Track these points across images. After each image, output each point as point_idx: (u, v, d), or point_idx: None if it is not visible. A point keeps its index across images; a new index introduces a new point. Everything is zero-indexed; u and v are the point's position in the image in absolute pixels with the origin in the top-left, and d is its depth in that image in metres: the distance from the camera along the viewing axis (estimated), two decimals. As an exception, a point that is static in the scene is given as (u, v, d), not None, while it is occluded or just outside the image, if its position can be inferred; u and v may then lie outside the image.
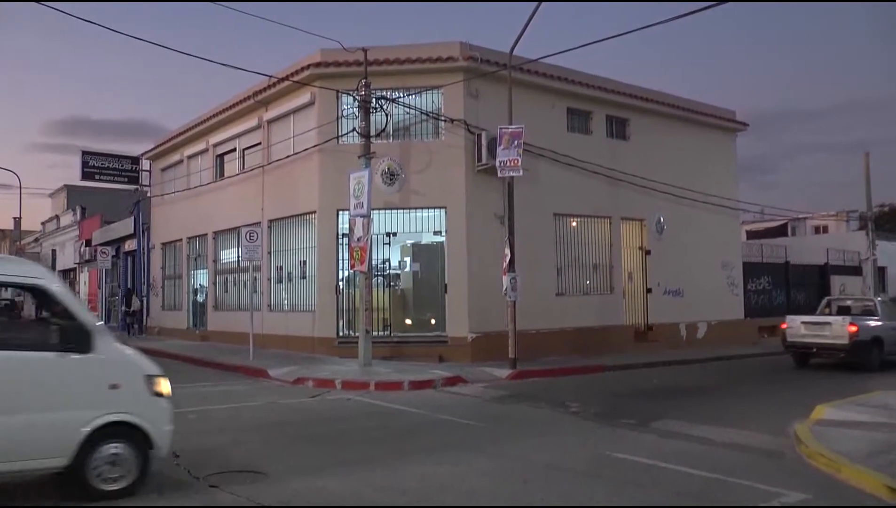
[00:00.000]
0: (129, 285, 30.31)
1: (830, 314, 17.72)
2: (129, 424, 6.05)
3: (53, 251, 44.82)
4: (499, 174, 15.41)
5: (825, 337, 16.53)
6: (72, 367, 5.87)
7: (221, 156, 23.20)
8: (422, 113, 17.03)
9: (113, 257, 29.06)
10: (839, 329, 16.29)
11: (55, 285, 6.19)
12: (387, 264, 17.48)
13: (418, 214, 17.25)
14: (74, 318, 6.00)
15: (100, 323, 6.19)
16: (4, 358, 5.65)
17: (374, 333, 15.94)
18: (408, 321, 17.45)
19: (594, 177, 19.03)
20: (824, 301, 19.60)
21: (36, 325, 6.39)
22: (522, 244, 16.17)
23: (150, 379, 6.26)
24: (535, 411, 10.86)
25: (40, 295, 6.22)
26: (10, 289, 5.65)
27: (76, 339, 5.90)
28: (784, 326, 17.61)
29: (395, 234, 17.28)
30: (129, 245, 30.72)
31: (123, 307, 29.43)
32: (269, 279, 19.92)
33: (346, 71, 16.80)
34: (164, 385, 6.35)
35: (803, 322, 17.23)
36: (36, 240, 49.14)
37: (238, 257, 20.48)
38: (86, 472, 5.83)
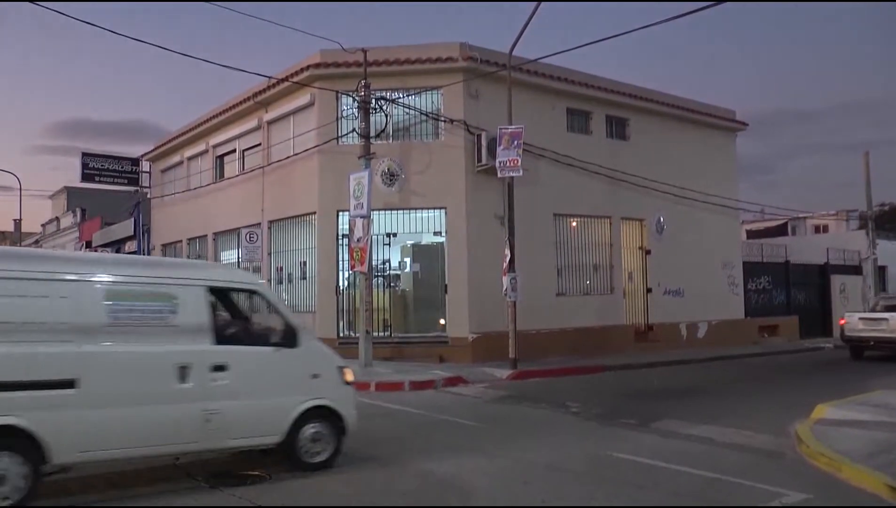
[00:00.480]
0: None
1: (884, 311, 19.17)
2: (327, 407, 7.18)
3: (54, 253, 44.79)
4: (499, 175, 15.41)
5: (882, 331, 18.21)
6: (284, 359, 7.07)
7: (221, 157, 23.20)
8: (421, 113, 17.03)
9: (113, 258, 29.04)
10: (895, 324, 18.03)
11: (269, 291, 7.69)
12: (387, 264, 17.49)
13: (418, 214, 17.26)
14: (283, 318, 7.25)
15: (301, 322, 7.42)
16: (237, 352, 6.77)
17: (375, 333, 15.94)
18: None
19: (594, 177, 19.03)
20: (874, 299, 21.38)
21: (254, 324, 7.55)
22: (522, 245, 16.18)
23: (340, 370, 7.46)
24: (536, 411, 10.86)
25: (258, 298, 7.45)
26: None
27: (287, 336, 7.13)
28: (843, 322, 19.48)
29: (395, 234, 17.28)
30: (130, 247, 30.73)
31: None
32: (270, 280, 19.89)
33: (345, 72, 16.81)
34: (350, 375, 7.52)
35: (860, 318, 19.01)
36: (36, 242, 49.09)
37: (238, 258, 20.45)
38: (295, 447, 6.96)
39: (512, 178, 15.55)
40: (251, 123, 20.83)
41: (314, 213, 17.85)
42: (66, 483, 6.41)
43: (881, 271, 30.49)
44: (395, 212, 17.15)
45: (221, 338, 6.70)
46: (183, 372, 6.36)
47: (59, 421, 5.79)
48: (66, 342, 5.91)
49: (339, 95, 17.15)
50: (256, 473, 6.88)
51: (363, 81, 15.60)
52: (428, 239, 17.56)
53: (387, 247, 17.32)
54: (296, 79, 17.82)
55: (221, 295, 7.28)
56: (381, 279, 17.25)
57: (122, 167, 28.58)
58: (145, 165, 28.84)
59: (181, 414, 6.33)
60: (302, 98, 18.22)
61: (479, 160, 16.59)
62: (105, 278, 6.31)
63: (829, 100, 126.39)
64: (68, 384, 5.86)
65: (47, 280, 5.98)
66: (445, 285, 16.85)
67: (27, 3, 11.27)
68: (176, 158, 26.02)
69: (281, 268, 19.70)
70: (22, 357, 5.73)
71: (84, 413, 5.90)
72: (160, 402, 6.26)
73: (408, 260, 17.84)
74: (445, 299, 16.82)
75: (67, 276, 6.09)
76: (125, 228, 30.60)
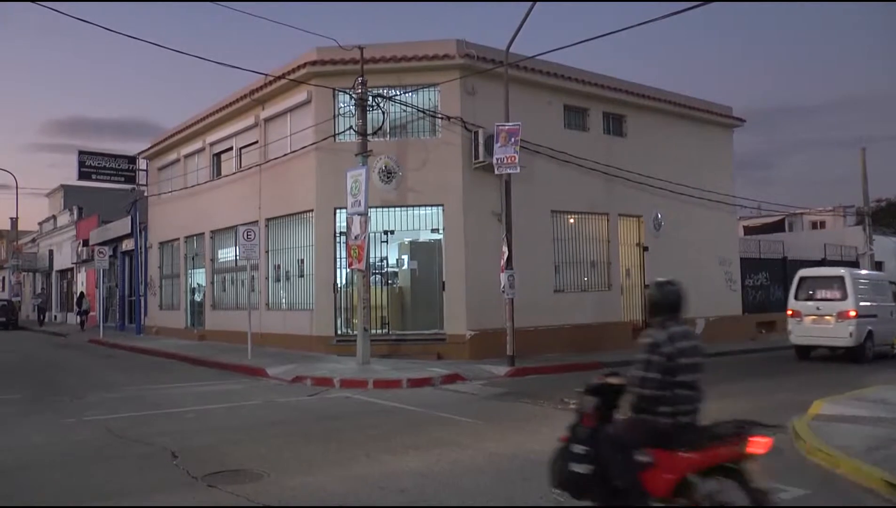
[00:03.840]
0: (82, 290, 33.73)
1: None
2: None
3: (51, 251, 44.71)
4: (496, 171, 15.40)
5: None
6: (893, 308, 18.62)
7: (218, 155, 23.17)
8: (418, 111, 17.01)
9: (110, 256, 29.04)
10: None
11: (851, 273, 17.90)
12: (384, 261, 17.47)
13: (415, 211, 17.24)
14: (848, 292, 17.10)
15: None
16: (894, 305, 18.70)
17: (372, 331, 15.94)
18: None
19: (591, 174, 19.03)
20: None
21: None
22: (520, 241, 16.18)
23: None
24: (534, 408, 10.86)
25: (840, 281, 17.20)
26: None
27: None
28: None
29: (392, 232, 17.26)
30: (127, 245, 30.70)
31: (77, 308, 33.47)
32: (267, 278, 19.90)
33: (342, 69, 16.78)
34: None
35: None
36: (33, 240, 49.01)
37: (236, 255, 20.47)
38: None
39: (509, 175, 15.54)
40: (248, 120, 20.80)
41: (311, 210, 17.83)
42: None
43: (878, 267, 30.52)
44: (393, 209, 17.14)
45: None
46: (892, 312, 17.88)
47: (874, 331, 16.97)
48: (871, 303, 17.11)
49: (336, 92, 17.13)
50: (257, 471, 6.88)
51: (360, 79, 15.57)
52: (425, 236, 17.54)
53: (384, 244, 17.31)
54: (292, 76, 17.79)
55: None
56: (378, 277, 17.25)
57: (119, 165, 28.52)
58: (142, 163, 28.80)
59: (892, 328, 17.78)
60: (299, 95, 18.19)
61: (477, 157, 16.57)
62: (868, 278, 18.32)
63: (826, 96, 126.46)
64: (874, 316, 17.09)
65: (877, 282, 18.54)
66: (443, 283, 16.85)
67: (24, 2, 11.22)
68: (173, 156, 25.98)
69: (278, 266, 19.68)
70: (870, 309, 16.98)
71: (877, 328, 17.09)
72: (888, 324, 17.56)
73: (405, 257, 17.82)
74: (443, 297, 16.82)
75: (871, 281, 18.34)
76: (122, 225, 30.55)
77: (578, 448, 4.75)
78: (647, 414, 4.47)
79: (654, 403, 4.44)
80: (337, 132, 17.16)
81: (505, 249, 15.27)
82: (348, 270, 16.57)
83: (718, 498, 4.26)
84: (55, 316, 43.40)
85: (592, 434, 4.71)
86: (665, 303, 4.99)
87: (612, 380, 4.80)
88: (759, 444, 4.19)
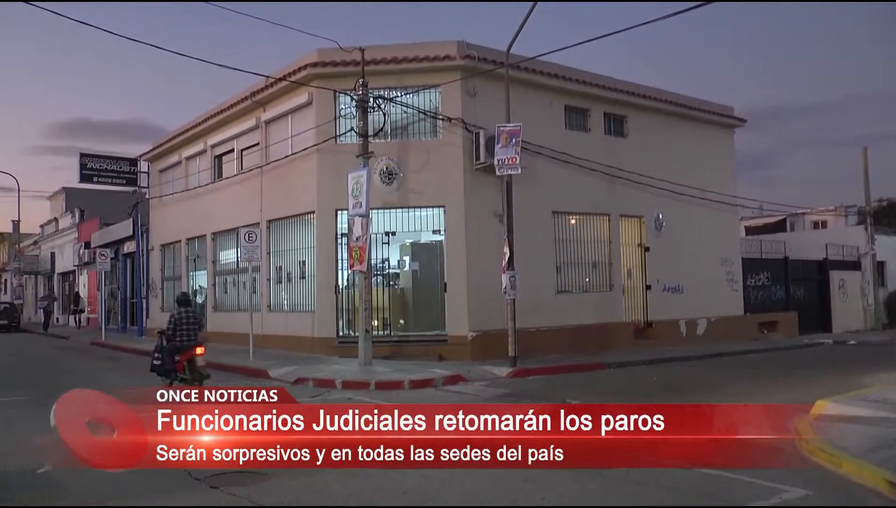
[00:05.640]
0: (75, 289, 35.80)
1: None
2: None
3: (52, 254, 44.71)
4: (497, 172, 15.40)
5: None
6: None
7: (219, 157, 23.17)
8: (419, 112, 17.03)
9: (112, 258, 28.99)
10: None
11: None
12: (386, 263, 17.48)
13: (417, 213, 17.25)
14: None
15: None
16: None
17: (374, 332, 15.95)
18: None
19: (592, 174, 19.03)
20: None
21: None
22: (521, 242, 16.17)
23: None
24: (536, 409, 10.84)
25: None
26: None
27: None
28: None
29: (393, 233, 17.27)
30: (128, 247, 30.70)
31: (72, 306, 36.38)
32: (269, 280, 19.91)
33: (343, 71, 16.80)
34: None
35: None
36: (35, 243, 49.03)
37: (237, 257, 20.46)
38: None
39: (510, 176, 15.54)
40: (249, 122, 20.81)
41: (313, 212, 17.84)
42: None
43: (880, 267, 30.56)
44: (394, 211, 17.14)
45: None
46: None
47: None
48: None
49: (337, 93, 17.14)
50: (259, 472, 6.88)
51: (361, 80, 15.59)
52: (427, 237, 17.55)
53: (385, 246, 17.31)
54: (293, 78, 17.80)
55: None
56: (380, 278, 17.25)
57: (121, 168, 28.51)
58: (143, 166, 28.80)
59: None
60: (300, 97, 18.20)
61: (478, 158, 16.58)
62: None
63: (827, 95, 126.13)
64: None
65: None
66: (444, 284, 16.85)
67: (25, 3, 11.25)
68: (174, 158, 25.99)
69: (280, 268, 19.68)
70: None
71: None
72: None
73: (407, 259, 17.83)
74: (445, 298, 16.83)
75: None
76: (124, 228, 30.56)
77: (157, 355, 11.18)
78: (173, 341, 11.10)
79: (174, 337, 11.12)
80: (338, 134, 17.17)
81: (506, 249, 15.26)
82: (350, 271, 16.56)
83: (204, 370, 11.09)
84: (57, 318, 43.40)
85: (163, 350, 11.14)
86: (183, 300, 11.67)
87: (164, 329, 11.39)
88: (200, 349, 11.11)
